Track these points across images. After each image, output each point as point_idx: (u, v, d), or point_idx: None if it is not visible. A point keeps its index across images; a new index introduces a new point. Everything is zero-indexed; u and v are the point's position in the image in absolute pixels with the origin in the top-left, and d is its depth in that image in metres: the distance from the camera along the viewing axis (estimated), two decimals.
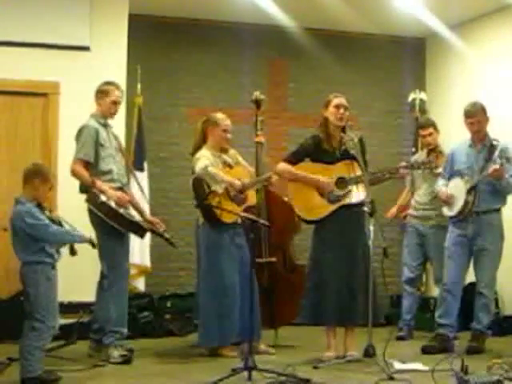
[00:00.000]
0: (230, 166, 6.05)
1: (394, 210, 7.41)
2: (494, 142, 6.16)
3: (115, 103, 5.96)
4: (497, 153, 6.08)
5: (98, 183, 5.64)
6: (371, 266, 5.62)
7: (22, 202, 4.89)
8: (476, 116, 6.17)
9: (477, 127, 6.17)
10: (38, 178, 4.92)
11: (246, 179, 5.98)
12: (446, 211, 6.30)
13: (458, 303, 6.25)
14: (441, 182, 6.38)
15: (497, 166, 5.91)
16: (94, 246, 5.13)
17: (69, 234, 4.97)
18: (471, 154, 6.21)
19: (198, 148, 6.01)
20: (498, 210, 6.22)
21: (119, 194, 5.71)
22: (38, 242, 4.82)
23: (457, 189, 6.17)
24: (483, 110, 6.20)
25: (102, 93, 5.93)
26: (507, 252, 6.30)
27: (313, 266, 5.74)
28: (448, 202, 6.22)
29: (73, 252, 5.06)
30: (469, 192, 6.06)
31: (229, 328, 5.80)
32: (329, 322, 5.66)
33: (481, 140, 6.22)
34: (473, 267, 6.28)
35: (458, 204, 6.13)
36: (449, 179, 6.31)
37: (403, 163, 5.83)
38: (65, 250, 5.04)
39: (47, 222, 4.86)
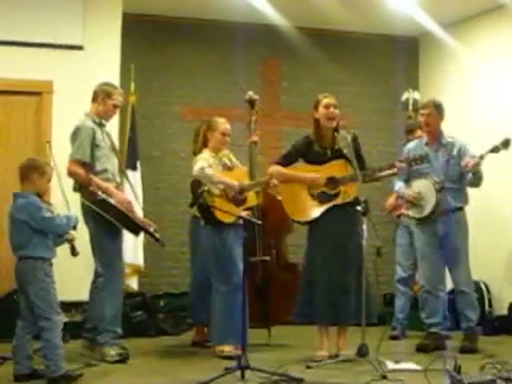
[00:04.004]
0: (230, 169, 6.05)
1: (392, 200, 7.12)
2: (450, 140, 6.17)
3: (116, 107, 5.93)
4: (455, 150, 6.10)
5: (98, 181, 5.61)
6: (364, 265, 5.64)
7: (25, 195, 4.85)
8: (425, 108, 6.21)
9: (425, 119, 6.18)
10: (36, 172, 4.89)
11: (246, 181, 5.98)
12: (413, 213, 6.20)
13: (440, 301, 6.25)
14: (399, 183, 6.30)
15: (476, 159, 5.86)
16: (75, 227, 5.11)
17: (70, 221, 4.94)
18: (429, 153, 6.12)
19: (199, 151, 6.01)
20: (462, 209, 6.21)
21: (120, 193, 5.74)
22: (40, 236, 4.80)
23: (424, 189, 6.08)
24: (436, 106, 6.21)
25: (104, 94, 5.82)
26: (501, 252, 6.31)
27: (306, 265, 5.77)
28: (415, 202, 6.14)
29: (74, 253, 5.06)
30: (439, 191, 6.03)
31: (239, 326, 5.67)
32: (320, 321, 5.67)
33: (435, 138, 6.21)
34: (447, 267, 6.26)
35: (429, 204, 6.06)
36: (407, 180, 6.24)
37: (401, 159, 5.77)
38: (60, 249, 5.04)
39: (52, 214, 4.86)
